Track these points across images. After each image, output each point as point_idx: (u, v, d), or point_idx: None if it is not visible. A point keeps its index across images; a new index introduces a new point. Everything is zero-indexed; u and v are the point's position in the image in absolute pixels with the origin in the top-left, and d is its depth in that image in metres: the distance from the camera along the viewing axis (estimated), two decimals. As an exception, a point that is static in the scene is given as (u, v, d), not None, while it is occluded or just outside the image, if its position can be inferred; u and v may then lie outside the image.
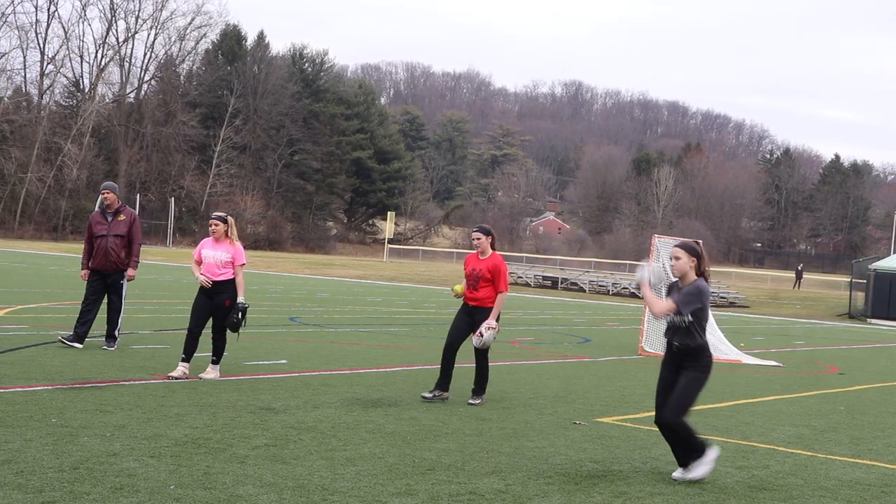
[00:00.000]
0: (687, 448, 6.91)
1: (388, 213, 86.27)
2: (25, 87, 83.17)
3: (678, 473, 6.99)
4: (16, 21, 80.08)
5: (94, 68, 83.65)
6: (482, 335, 9.80)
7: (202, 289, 10.45)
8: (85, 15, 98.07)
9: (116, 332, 12.39)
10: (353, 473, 6.41)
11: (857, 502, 6.71)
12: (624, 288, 49.26)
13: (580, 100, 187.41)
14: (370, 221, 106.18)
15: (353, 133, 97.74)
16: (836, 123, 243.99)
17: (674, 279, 7.13)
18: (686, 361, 6.97)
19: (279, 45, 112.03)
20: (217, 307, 10.40)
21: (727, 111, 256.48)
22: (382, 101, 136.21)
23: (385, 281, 49.83)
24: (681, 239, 8.49)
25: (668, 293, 7.12)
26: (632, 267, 56.05)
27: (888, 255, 50.62)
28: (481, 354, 10.08)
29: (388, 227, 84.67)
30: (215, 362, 10.53)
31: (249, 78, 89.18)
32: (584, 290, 50.48)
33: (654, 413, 7.12)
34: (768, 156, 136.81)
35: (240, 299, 10.39)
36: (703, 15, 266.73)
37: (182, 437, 7.18)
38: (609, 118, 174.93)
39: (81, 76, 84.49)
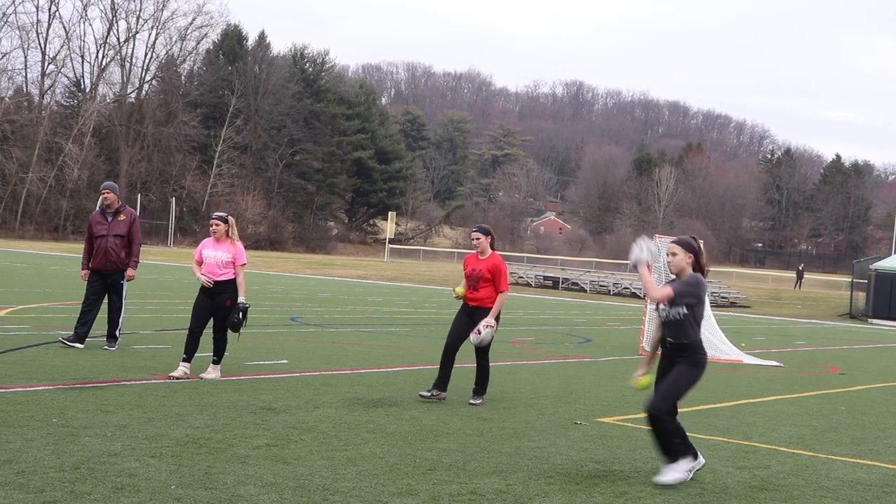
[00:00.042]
0: (666, 446, 6.77)
1: (389, 213, 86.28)
2: (26, 87, 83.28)
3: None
4: (17, 21, 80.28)
5: (95, 68, 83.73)
6: (480, 332, 9.79)
7: (203, 289, 10.45)
8: (86, 15, 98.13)
9: (117, 332, 12.39)
10: (354, 473, 6.41)
11: (858, 502, 6.71)
12: (625, 288, 49.25)
13: (581, 100, 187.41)
14: (371, 221, 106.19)
15: (354, 133, 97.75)
16: (837, 123, 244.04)
17: (671, 276, 7.07)
18: (679, 357, 6.88)
19: (280, 45, 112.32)
20: (218, 307, 10.40)
21: (728, 111, 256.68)
22: (383, 101, 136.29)
23: (386, 281, 49.84)
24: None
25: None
26: (633, 268, 56.03)
27: (889, 255, 50.59)
28: (482, 354, 10.07)
29: (388, 227, 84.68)
30: (216, 362, 10.53)
31: (250, 78, 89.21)
32: (584, 290, 50.48)
33: None
34: (769, 156, 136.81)
35: (241, 299, 10.39)
36: (704, 15, 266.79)
37: (183, 437, 7.18)
38: (610, 118, 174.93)
39: (82, 76, 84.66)
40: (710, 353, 17.52)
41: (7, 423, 7.21)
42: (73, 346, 12.00)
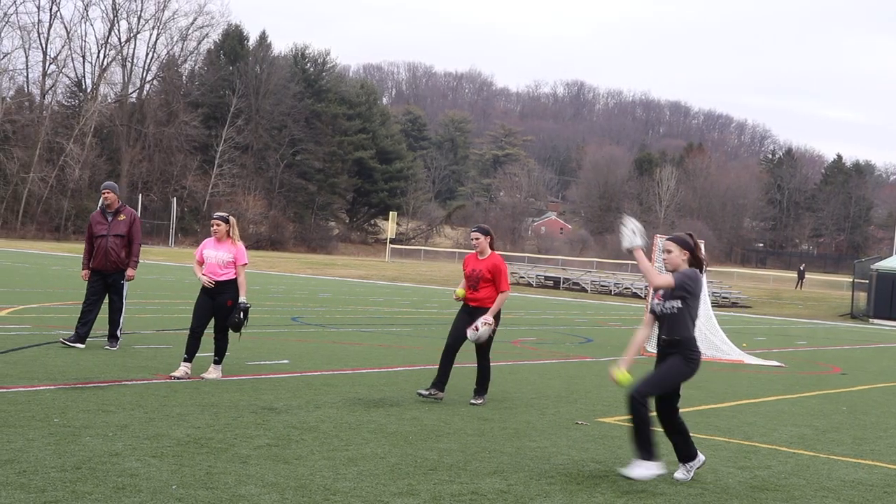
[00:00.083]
0: (639, 438, 6.62)
1: (390, 213, 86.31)
2: (28, 87, 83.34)
3: (680, 473, 6.98)
4: (18, 21, 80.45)
5: (97, 68, 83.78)
6: (477, 329, 9.77)
7: (204, 289, 10.46)
8: (87, 15, 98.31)
9: (118, 332, 12.39)
10: (356, 473, 6.41)
11: (859, 503, 6.70)
12: (626, 288, 49.24)
13: (582, 100, 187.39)
14: (372, 221, 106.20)
15: (355, 133, 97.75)
16: (839, 123, 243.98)
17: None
18: (671, 353, 6.82)
19: (281, 45, 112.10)
20: (219, 307, 10.40)
21: (729, 111, 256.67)
22: (384, 101, 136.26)
23: (387, 281, 49.85)
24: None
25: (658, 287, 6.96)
26: (634, 268, 56.05)
27: (890, 255, 50.56)
28: (483, 354, 10.07)
29: (389, 227, 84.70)
30: (217, 362, 10.53)
31: (251, 78, 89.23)
32: (585, 290, 50.48)
33: (656, 413, 7.10)
34: (770, 156, 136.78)
35: (242, 299, 10.40)
36: (705, 15, 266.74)
37: (184, 436, 7.18)
38: (611, 118, 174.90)
39: (83, 76, 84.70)
40: (712, 353, 17.67)
41: (8, 423, 7.21)
42: (73, 347, 12.01)
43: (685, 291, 6.71)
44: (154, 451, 6.62)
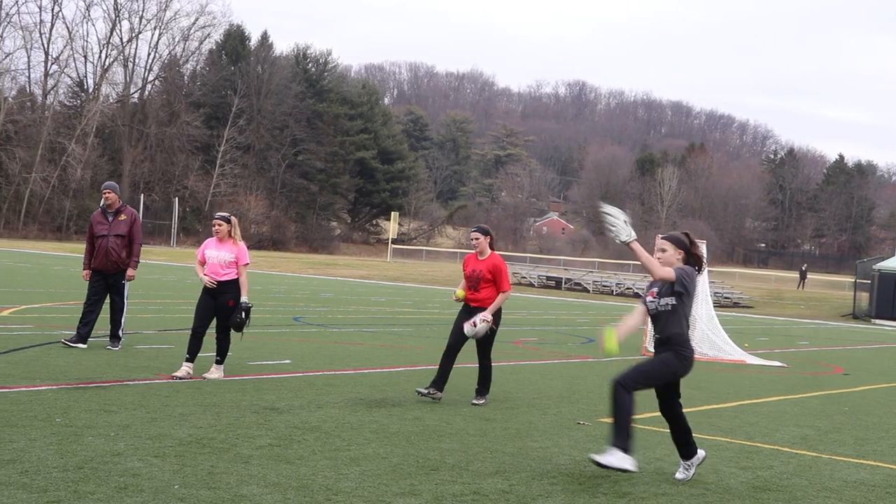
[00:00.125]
0: (618, 424, 6.53)
1: (392, 213, 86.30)
2: (29, 87, 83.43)
3: (680, 473, 6.97)
4: (20, 21, 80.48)
5: (98, 68, 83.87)
6: (475, 325, 9.76)
7: (206, 289, 10.46)
8: (89, 15, 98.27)
9: (120, 332, 12.39)
10: (357, 473, 6.41)
11: (861, 503, 6.70)
12: (627, 288, 49.22)
13: (584, 100, 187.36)
14: (374, 221, 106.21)
15: (356, 133, 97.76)
16: (841, 123, 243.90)
17: None
18: (663, 350, 6.79)
19: (283, 46, 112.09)
20: (221, 307, 10.41)
21: (731, 111, 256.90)
22: (386, 101, 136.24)
23: (388, 281, 49.86)
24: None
25: (652, 286, 6.92)
26: (636, 268, 56.02)
27: (892, 255, 50.54)
28: (484, 354, 10.06)
29: (391, 227, 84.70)
30: (219, 362, 10.53)
31: (253, 78, 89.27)
32: (587, 291, 50.47)
33: (657, 413, 7.10)
34: (772, 156, 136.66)
35: (243, 299, 10.40)
36: (707, 15, 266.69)
37: (186, 436, 7.18)
38: (613, 118, 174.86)
39: (85, 76, 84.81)
40: (714, 353, 17.68)
41: (10, 423, 7.22)
42: (75, 347, 12.01)
43: (682, 287, 6.66)
44: (156, 451, 6.62)
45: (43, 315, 16.59)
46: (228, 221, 10.59)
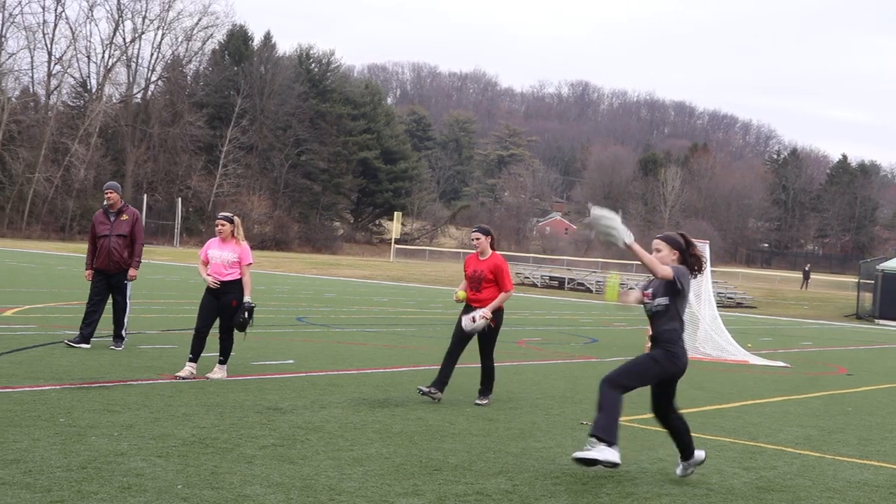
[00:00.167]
0: (601, 421, 6.46)
1: (395, 213, 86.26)
2: (33, 87, 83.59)
3: (679, 469, 6.95)
4: (23, 21, 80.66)
5: (102, 69, 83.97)
6: (474, 321, 9.76)
7: (209, 289, 10.47)
8: (92, 15, 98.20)
9: (123, 332, 12.40)
10: (361, 473, 6.41)
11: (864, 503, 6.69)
12: (631, 288, 49.15)
13: (587, 100, 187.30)
14: (377, 222, 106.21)
15: (359, 133, 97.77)
16: (844, 123, 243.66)
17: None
18: (655, 347, 6.76)
19: (286, 46, 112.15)
20: (224, 307, 10.41)
21: (734, 111, 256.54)
22: (389, 101, 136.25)
23: (391, 281, 49.87)
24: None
25: (646, 287, 6.89)
26: (639, 268, 55.99)
27: (896, 255, 50.49)
28: (486, 354, 10.05)
29: (394, 227, 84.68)
30: (222, 362, 10.54)
31: (256, 78, 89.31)
32: (590, 291, 50.45)
33: (653, 414, 7.09)
34: (775, 156, 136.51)
35: (246, 299, 10.40)
36: (710, 15, 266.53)
37: (189, 436, 7.18)
38: (616, 118, 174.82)
39: (88, 76, 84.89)
40: (717, 353, 17.67)
41: (14, 423, 7.22)
42: (78, 347, 12.02)
43: (678, 286, 6.63)
44: (159, 451, 6.62)
45: (46, 315, 16.60)
46: (231, 221, 10.60)
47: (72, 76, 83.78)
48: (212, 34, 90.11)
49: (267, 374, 10.97)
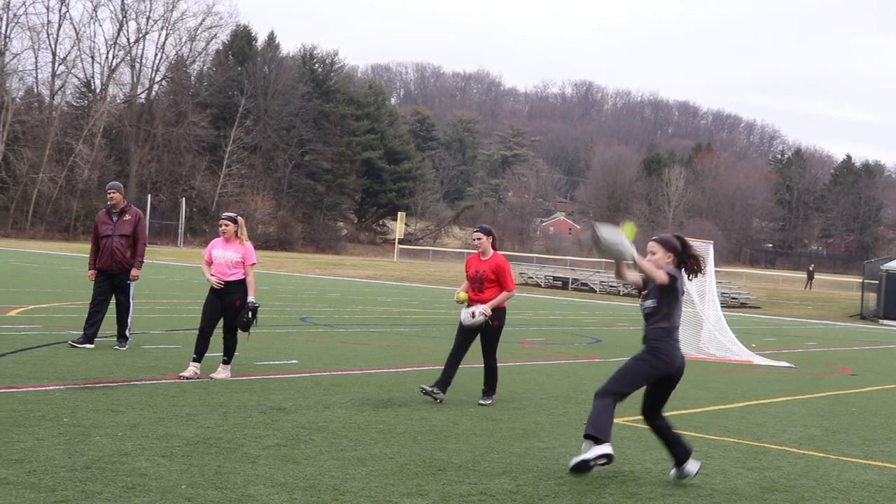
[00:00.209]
0: (592, 425, 6.44)
1: (399, 213, 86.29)
2: (37, 87, 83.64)
3: (673, 472, 6.90)
4: (27, 22, 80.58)
5: (106, 69, 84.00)
6: (473, 316, 9.75)
7: (213, 289, 10.47)
8: (96, 16, 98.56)
9: (127, 332, 12.41)
10: (364, 473, 6.42)
11: (869, 504, 6.69)
12: (634, 288, 49.12)
13: (590, 100, 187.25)
14: (380, 222, 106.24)
15: (363, 133, 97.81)
16: (848, 123, 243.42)
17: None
18: (642, 346, 6.73)
19: (289, 46, 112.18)
20: (228, 307, 10.42)
21: (738, 111, 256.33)
22: (392, 101, 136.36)
23: (395, 281, 49.87)
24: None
25: (646, 287, 6.85)
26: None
27: (900, 255, 50.41)
28: (489, 354, 10.05)
29: (398, 227, 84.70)
30: (226, 362, 10.55)
31: (260, 78, 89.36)
32: (594, 291, 50.41)
33: (664, 413, 7.07)
34: (779, 156, 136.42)
35: (250, 299, 10.41)
36: (714, 15, 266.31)
37: (193, 436, 7.19)
38: (619, 118, 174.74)
39: (92, 77, 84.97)
40: (721, 353, 17.66)
41: (18, 423, 7.23)
42: (82, 348, 12.03)
43: (670, 290, 6.59)
44: (163, 451, 6.63)
45: (50, 315, 16.63)
46: (235, 221, 10.61)
47: (76, 76, 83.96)
48: (215, 34, 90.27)
49: (270, 375, 10.98)
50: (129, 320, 12.42)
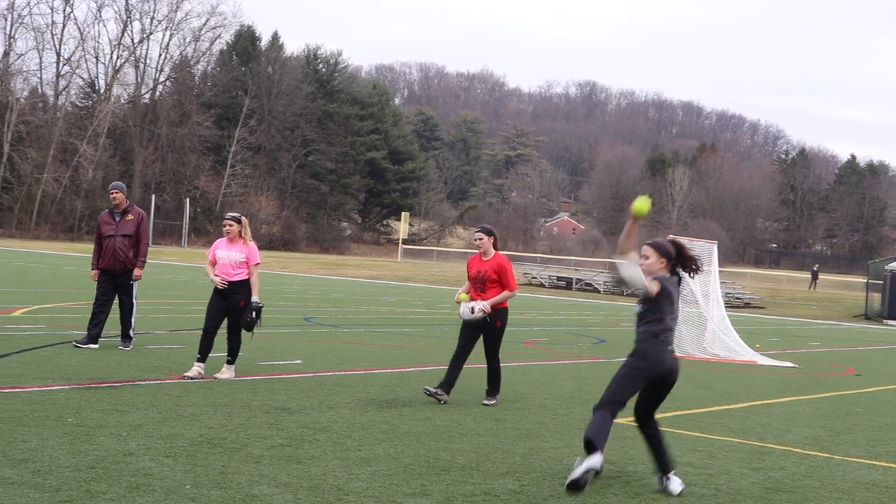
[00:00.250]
0: (594, 429, 6.30)
1: (403, 213, 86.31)
2: (41, 88, 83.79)
3: (657, 481, 6.70)
4: (32, 22, 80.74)
5: (110, 69, 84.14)
6: (473, 311, 9.75)
7: (217, 289, 10.48)
8: (100, 16, 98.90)
9: (131, 332, 12.42)
10: (368, 474, 6.42)
11: (874, 504, 6.68)
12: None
13: (594, 100, 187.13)
14: (384, 222, 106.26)
15: (367, 133, 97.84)
16: (852, 123, 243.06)
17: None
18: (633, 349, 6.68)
19: (293, 46, 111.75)
20: (232, 307, 10.43)
21: (742, 111, 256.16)
22: (396, 101, 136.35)
23: (399, 281, 49.88)
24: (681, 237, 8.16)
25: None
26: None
27: (905, 255, 50.33)
28: (492, 355, 10.04)
29: (402, 227, 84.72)
30: (230, 362, 10.56)
31: (264, 78, 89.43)
32: (598, 291, 50.39)
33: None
34: (783, 156, 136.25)
35: (254, 299, 10.42)
36: (718, 15, 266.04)
37: (197, 436, 7.19)
38: (623, 118, 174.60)
39: (97, 77, 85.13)
40: (725, 353, 17.64)
41: (23, 423, 7.24)
42: (86, 348, 12.04)
43: (659, 296, 6.55)
44: (168, 451, 6.64)
45: (55, 315, 16.65)
46: (239, 222, 10.61)
47: (80, 77, 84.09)
48: (220, 35, 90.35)
49: (275, 375, 10.99)
50: (132, 320, 12.42)
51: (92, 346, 12.08)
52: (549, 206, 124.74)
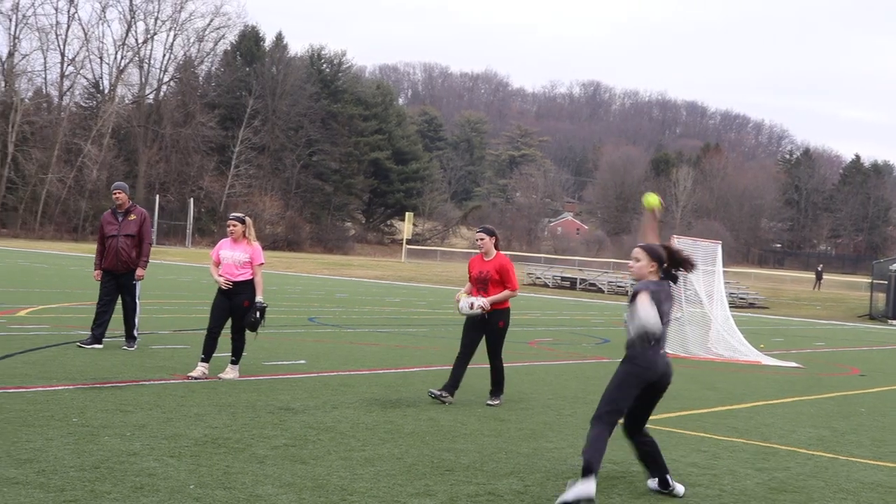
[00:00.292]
0: (590, 451, 6.09)
1: (406, 213, 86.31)
2: (46, 88, 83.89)
3: (650, 482, 6.62)
4: (36, 23, 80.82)
5: (114, 70, 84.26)
6: (472, 307, 9.76)
7: (221, 289, 10.49)
8: (104, 16, 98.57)
9: (135, 332, 12.43)
10: (372, 474, 6.42)
11: (878, 505, 6.66)
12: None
13: (598, 100, 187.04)
14: (388, 222, 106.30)
15: (371, 134, 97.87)
16: (857, 123, 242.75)
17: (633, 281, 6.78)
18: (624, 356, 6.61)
19: (297, 46, 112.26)
20: (236, 307, 10.43)
21: (746, 111, 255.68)
22: (400, 101, 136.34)
23: (403, 282, 49.88)
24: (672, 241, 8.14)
25: (634, 296, 6.60)
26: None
27: (909, 255, 50.23)
28: (495, 355, 10.04)
29: (406, 227, 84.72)
30: (234, 362, 10.56)
31: (268, 79, 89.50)
32: (602, 291, 50.36)
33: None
34: (788, 156, 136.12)
35: (258, 299, 10.42)
36: (721, 15, 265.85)
37: (202, 436, 7.20)
38: (627, 118, 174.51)
39: (101, 77, 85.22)
40: (729, 354, 17.63)
41: (27, 423, 7.25)
42: (91, 348, 12.05)
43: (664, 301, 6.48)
44: (172, 451, 6.64)
45: (59, 315, 16.67)
46: (243, 222, 10.62)
47: (84, 77, 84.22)
48: (223, 35, 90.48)
49: (279, 375, 10.99)
50: (136, 320, 12.44)
51: (96, 346, 12.09)
52: (553, 206, 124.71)
